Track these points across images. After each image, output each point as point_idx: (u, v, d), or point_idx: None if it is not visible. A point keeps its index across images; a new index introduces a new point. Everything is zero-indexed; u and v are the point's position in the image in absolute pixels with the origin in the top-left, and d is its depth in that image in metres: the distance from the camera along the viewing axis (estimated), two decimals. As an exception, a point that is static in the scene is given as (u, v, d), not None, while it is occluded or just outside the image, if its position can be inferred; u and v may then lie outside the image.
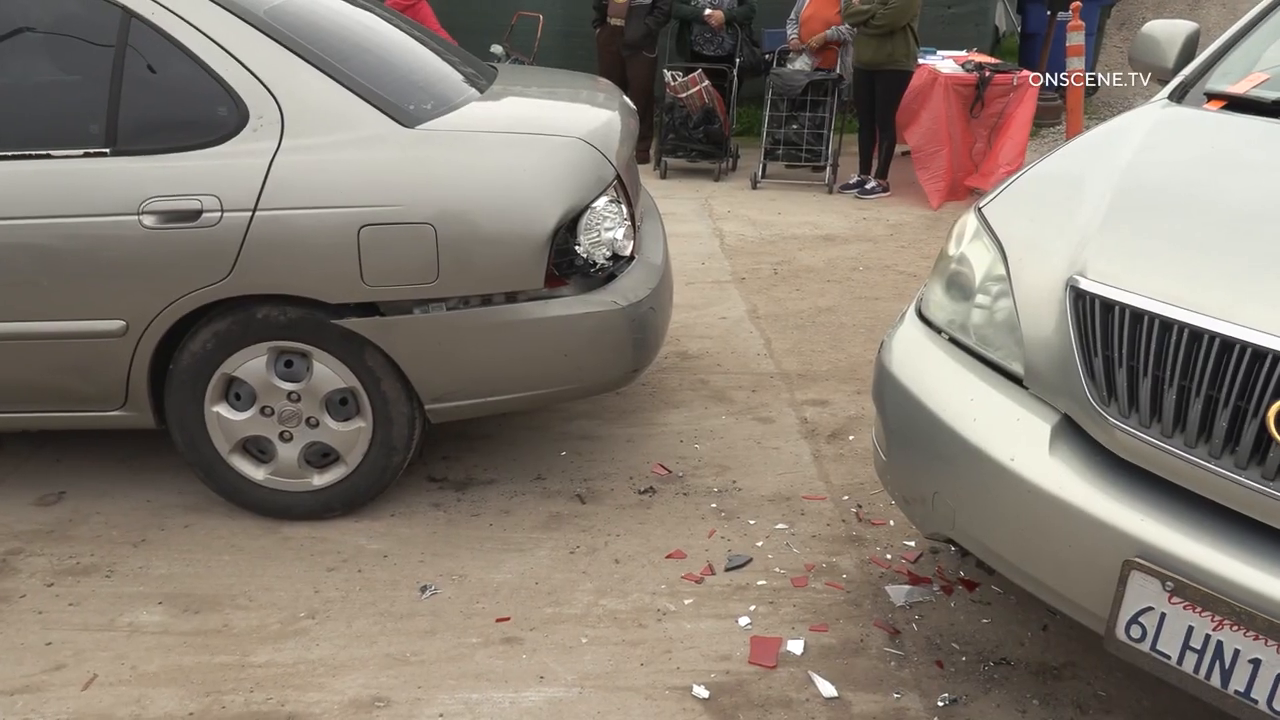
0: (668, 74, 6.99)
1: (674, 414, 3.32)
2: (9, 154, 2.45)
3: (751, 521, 2.70)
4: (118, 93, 2.49)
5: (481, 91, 2.96)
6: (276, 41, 2.53)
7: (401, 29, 3.17)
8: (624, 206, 2.74)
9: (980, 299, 1.97)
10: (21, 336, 2.50)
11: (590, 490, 2.86)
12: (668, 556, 2.54)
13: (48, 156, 2.45)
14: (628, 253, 2.73)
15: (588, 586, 2.43)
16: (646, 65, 7.20)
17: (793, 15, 6.91)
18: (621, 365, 2.68)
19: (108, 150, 2.45)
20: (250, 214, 2.41)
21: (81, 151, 2.45)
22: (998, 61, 6.74)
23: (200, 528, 2.68)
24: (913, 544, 2.59)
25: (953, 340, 2.01)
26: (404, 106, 2.59)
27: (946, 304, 2.07)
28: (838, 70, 6.75)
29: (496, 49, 7.03)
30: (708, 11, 7.09)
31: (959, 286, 2.04)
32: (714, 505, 2.78)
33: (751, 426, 3.24)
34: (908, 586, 2.42)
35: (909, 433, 2.01)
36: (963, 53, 7.02)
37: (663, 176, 7.01)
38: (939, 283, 2.12)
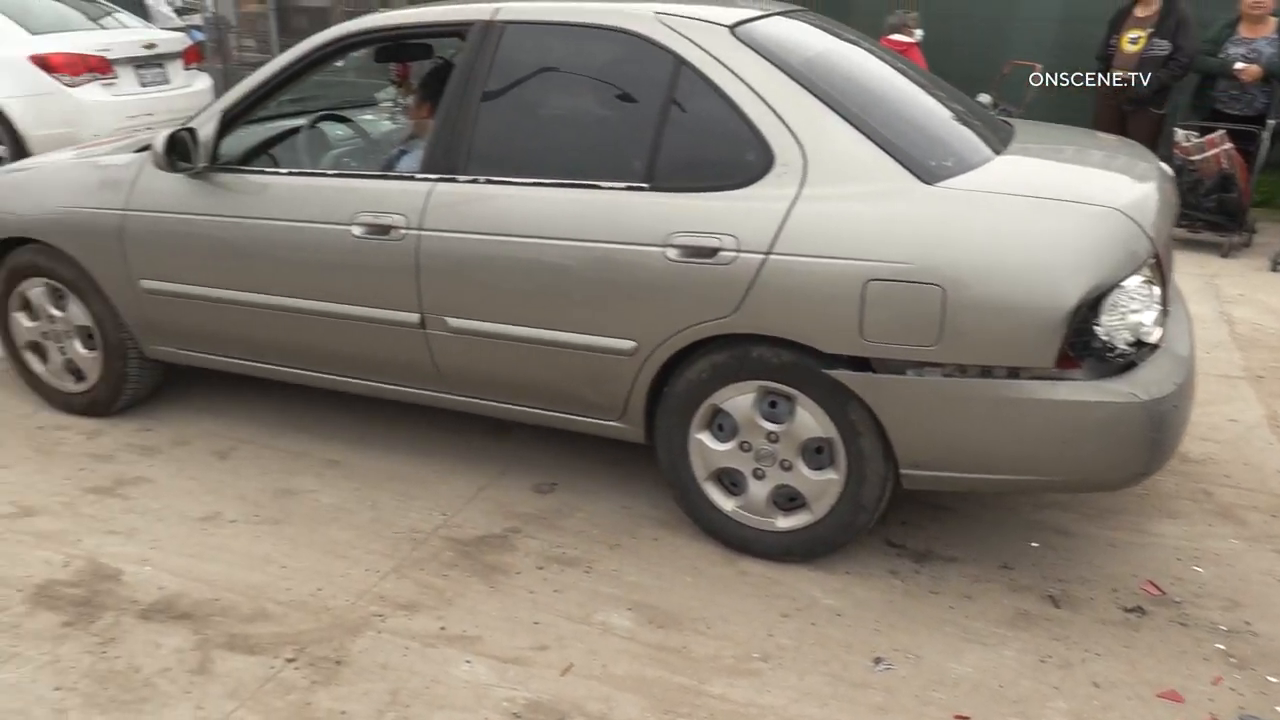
0: (1179, 133, 6.25)
1: (1169, 525, 2.91)
2: (565, 182, 2.76)
3: (1271, 679, 2.26)
4: (660, 133, 2.70)
5: (1001, 150, 2.81)
6: (810, 92, 2.60)
7: (921, 83, 3.12)
8: (1156, 288, 2.45)
9: None
10: (547, 343, 2.80)
11: (1065, 594, 2.58)
12: (1159, 695, 2.21)
13: (595, 187, 2.72)
14: (1153, 339, 2.43)
15: (1060, 705, 2.18)
16: (1153, 123, 6.50)
17: (1353, 73, 5.85)
18: (1130, 466, 2.39)
19: (646, 185, 2.67)
20: (763, 257, 2.49)
21: (624, 185, 2.69)
22: None
23: (667, 544, 2.82)
24: None
25: None
26: (925, 162, 2.53)
27: None
28: None
29: (984, 98, 6.76)
30: (1239, 65, 6.23)
31: None
32: (1220, 646, 2.38)
33: (1271, 559, 2.73)
34: None
35: None
36: None
37: (1155, 246, 6.28)
38: None
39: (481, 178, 2.84)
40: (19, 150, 7.08)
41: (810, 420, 2.58)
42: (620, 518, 2.96)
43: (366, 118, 4.08)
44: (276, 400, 3.68)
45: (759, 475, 2.68)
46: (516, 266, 2.75)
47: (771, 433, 2.63)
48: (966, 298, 2.34)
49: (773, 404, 2.62)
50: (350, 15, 8.45)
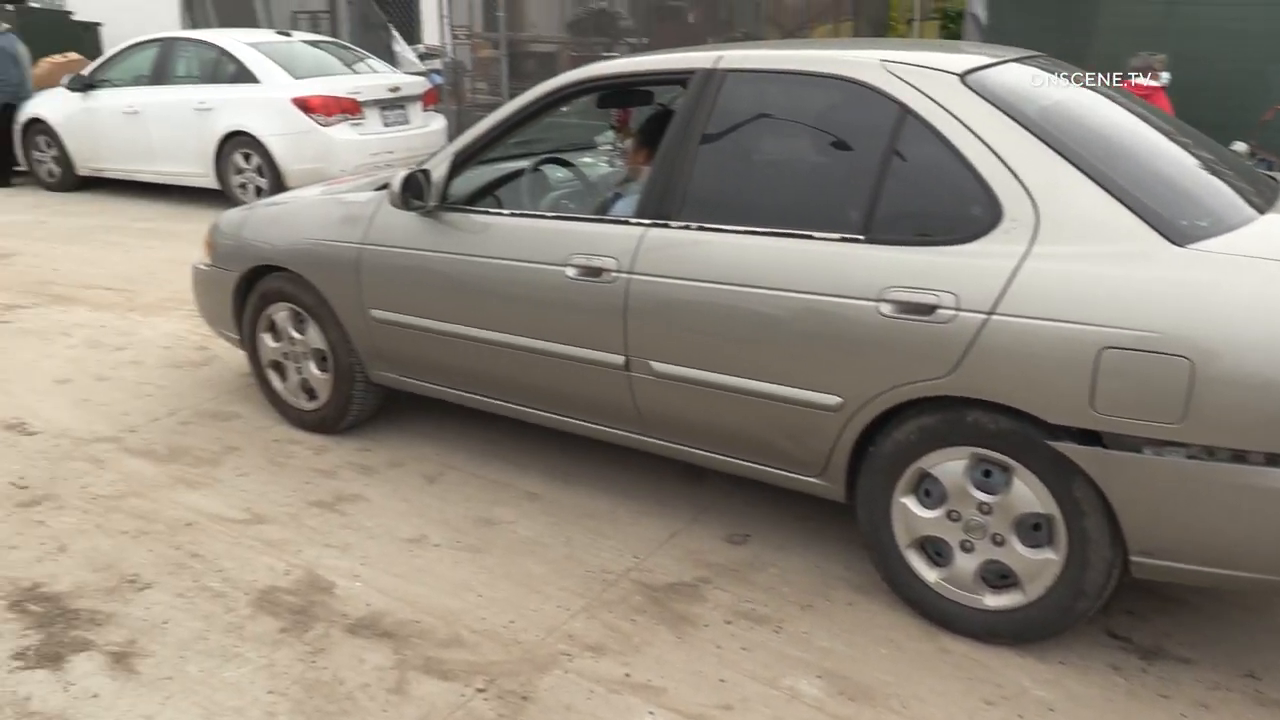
0: None
1: None
2: (778, 231, 2.71)
3: None
4: (880, 184, 2.61)
5: (1266, 209, 2.53)
6: (1045, 144, 2.44)
7: (1169, 132, 2.87)
8: None
9: None
10: (750, 393, 2.74)
11: (1326, 716, 2.26)
12: None
13: (809, 237, 2.65)
14: None
15: None
16: None
17: None
18: None
19: (862, 237, 2.58)
20: (985, 317, 2.35)
21: (839, 236, 2.61)
22: None
23: (862, 609, 2.70)
24: None
25: None
26: (1175, 221, 2.31)
27: None
28: None
29: (1239, 146, 6.19)
30: None
31: None
32: None
33: None
34: None
35: None
36: None
37: None
38: None
39: (694, 224, 2.84)
40: (278, 183, 7.82)
41: (1028, 494, 2.39)
42: (813, 577, 2.85)
43: (585, 161, 4.21)
44: (484, 429, 3.82)
45: (967, 548, 2.52)
46: (724, 314, 2.73)
47: (984, 503, 2.46)
48: (1219, 373, 2.11)
49: (986, 473, 2.46)
50: (577, 61, 8.82)
